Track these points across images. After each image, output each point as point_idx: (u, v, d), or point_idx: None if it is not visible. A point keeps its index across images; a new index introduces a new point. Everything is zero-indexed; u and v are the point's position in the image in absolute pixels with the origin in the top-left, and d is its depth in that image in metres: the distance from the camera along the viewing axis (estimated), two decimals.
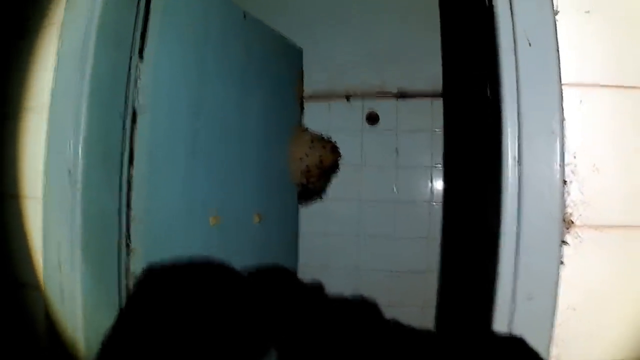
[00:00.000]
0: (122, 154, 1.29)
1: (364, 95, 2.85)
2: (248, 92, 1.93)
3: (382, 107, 2.84)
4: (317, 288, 0.89)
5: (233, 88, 1.83)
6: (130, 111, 1.32)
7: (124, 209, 1.29)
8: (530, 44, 0.94)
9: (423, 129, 2.77)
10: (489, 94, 1.06)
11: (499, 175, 0.94)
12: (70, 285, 1.12)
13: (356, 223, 2.87)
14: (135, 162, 1.33)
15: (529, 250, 0.89)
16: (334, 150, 2.43)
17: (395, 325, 0.78)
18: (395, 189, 2.81)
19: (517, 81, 0.94)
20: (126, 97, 1.30)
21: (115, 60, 1.27)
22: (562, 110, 0.92)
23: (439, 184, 2.76)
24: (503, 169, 0.93)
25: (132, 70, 1.33)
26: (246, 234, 1.92)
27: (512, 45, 0.95)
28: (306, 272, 2.63)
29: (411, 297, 2.74)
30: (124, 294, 1.26)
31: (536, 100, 0.92)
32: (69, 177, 1.13)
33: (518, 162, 0.92)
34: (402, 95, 2.80)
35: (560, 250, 0.89)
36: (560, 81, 0.92)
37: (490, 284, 0.95)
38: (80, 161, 1.14)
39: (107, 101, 1.23)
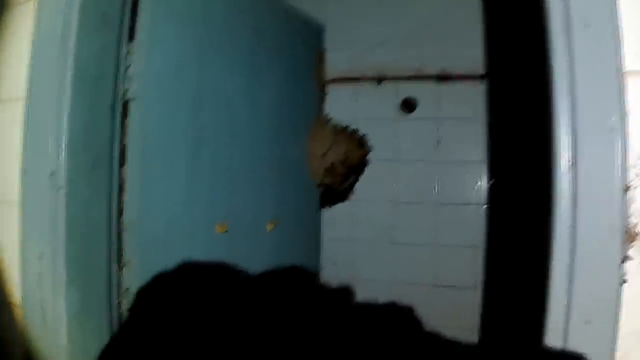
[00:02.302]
0: (111, 153, 1.31)
1: (398, 78, 2.84)
2: (259, 79, 1.94)
3: (419, 91, 2.81)
4: (343, 293, 0.89)
5: (241, 74, 1.84)
6: (120, 103, 1.34)
7: (114, 215, 1.31)
8: (586, 26, 0.92)
9: (470, 117, 2.74)
10: (539, 84, 1.05)
11: (550, 179, 0.94)
12: (54, 305, 1.14)
13: (390, 228, 2.87)
14: (127, 162, 1.36)
15: (586, 266, 0.89)
16: (362, 143, 2.43)
17: (437, 340, 0.77)
18: (436, 189, 2.79)
19: (571, 69, 0.93)
20: (115, 87, 1.33)
21: (102, 43, 1.29)
22: (624, 103, 0.90)
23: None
24: (555, 172, 0.93)
25: (122, 55, 1.35)
26: (258, 243, 1.94)
27: (565, 27, 0.94)
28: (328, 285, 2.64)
29: (457, 318, 2.71)
30: (115, 314, 1.28)
31: (593, 92, 0.91)
32: (50, 179, 1.16)
33: (572, 164, 0.92)
34: (444, 77, 2.78)
35: (621, 267, 0.88)
36: (622, 69, 0.90)
37: (541, 305, 0.95)
38: (63, 161, 1.16)
39: (93, 91, 1.25)
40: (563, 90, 0.94)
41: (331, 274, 2.77)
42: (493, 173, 2.62)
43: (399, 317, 0.84)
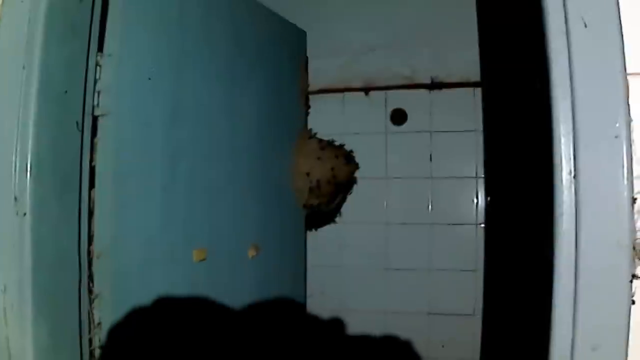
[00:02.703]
0: (80, 174, 1.31)
1: (387, 87, 2.88)
2: (239, 89, 1.98)
3: (410, 101, 2.85)
4: (333, 326, 0.90)
5: (220, 85, 1.87)
6: (89, 119, 1.35)
7: (84, 242, 1.32)
8: (586, 25, 0.94)
9: (465, 128, 2.78)
10: (537, 90, 1.08)
11: (550, 192, 0.94)
12: (20, 341, 1.14)
13: (381, 252, 2.88)
14: (97, 184, 1.37)
15: (591, 288, 0.90)
16: (350, 159, 2.46)
17: None
18: (430, 207, 2.82)
19: (571, 72, 0.94)
20: (84, 101, 1.34)
21: (69, 54, 1.29)
22: (628, 107, 0.91)
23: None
24: (555, 184, 0.94)
25: (91, 67, 1.36)
26: (239, 271, 1.96)
27: (564, 27, 0.96)
28: (316, 317, 2.65)
29: (456, 348, 2.73)
30: (86, 351, 1.28)
31: (595, 96, 0.92)
32: (14, 205, 1.16)
33: (574, 176, 0.93)
34: (436, 85, 2.82)
35: (630, 287, 0.89)
36: (625, 71, 0.92)
37: (545, 332, 0.96)
38: (28, 185, 1.17)
39: (60, 107, 1.26)
40: (562, 95, 0.95)
41: (318, 304, 2.78)
42: (490, 189, 2.66)
43: (395, 350, 0.86)
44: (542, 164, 0.99)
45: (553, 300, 0.93)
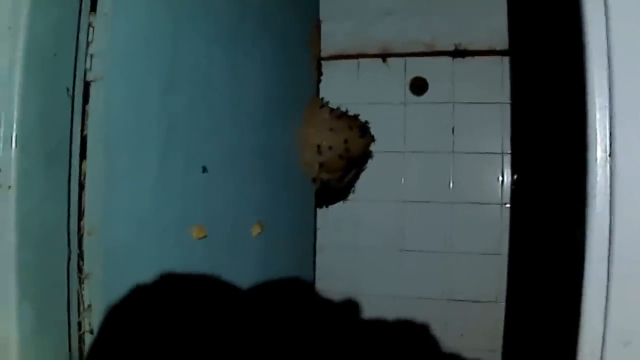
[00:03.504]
0: (70, 145, 1.30)
1: (406, 54, 2.85)
2: (243, 54, 1.95)
3: (432, 70, 2.84)
4: (346, 308, 0.89)
5: (222, 49, 1.83)
6: (80, 85, 1.33)
7: (74, 218, 1.31)
8: None
9: (490, 100, 2.76)
10: (571, 59, 1.05)
11: (583, 172, 0.93)
12: (4, 325, 1.13)
13: (397, 232, 2.89)
14: (88, 155, 1.34)
15: (625, 278, 0.89)
16: (365, 131, 2.45)
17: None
18: (451, 185, 2.81)
19: (608, 39, 0.92)
20: (75, 66, 1.31)
21: (59, 15, 1.25)
22: None
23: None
24: (589, 163, 0.92)
25: (83, 29, 1.33)
26: (242, 250, 1.96)
27: None
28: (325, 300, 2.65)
29: (476, 337, 2.74)
30: (75, 334, 1.28)
31: (635, 67, 0.90)
32: None
33: (609, 154, 0.91)
34: (460, 53, 2.79)
35: None
36: None
37: (574, 324, 0.95)
38: (13, 155, 1.15)
39: (49, 72, 1.22)
40: (597, 65, 0.93)
41: (329, 287, 2.80)
42: (518, 166, 2.64)
43: (410, 337, 0.85)
44: (574, 141, 0.97)
45: (583, 290, 0.92)
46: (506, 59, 2.70)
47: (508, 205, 2.72)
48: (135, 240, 1.49)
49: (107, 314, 0.80)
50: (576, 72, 0.98)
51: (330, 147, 2.29)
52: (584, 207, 0.93)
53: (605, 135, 0.92)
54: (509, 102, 2.72)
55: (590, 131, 0.93)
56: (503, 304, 2.69)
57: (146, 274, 1.49)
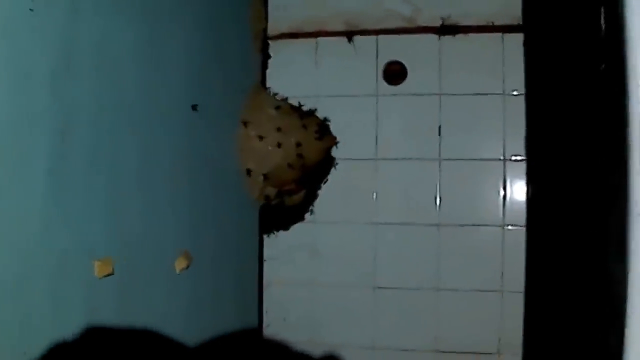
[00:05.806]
0: None
1: (380, 31, 2.82)
2: (162, 32, 1.94)
3: (412, 51, 2.80)
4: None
5: (134, 24, 1.80)
6: None
7: None
8: None
9: (488, 91, 2.73)
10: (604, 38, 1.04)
11: (621, 190, 0.90)
12: None
13: (369, 264, 2.84)
14: None
15: None
16: (324, 131, 2.42)
17: None
18: (438, 202, 2.78)
19: None
20: None
21: None
22: None
23: (518, 192, 2.70)
24: (630, 175, 0.92)
25: None
26: (163, 289, 1.94)
27: None
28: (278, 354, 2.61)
29: None
30: None
31: None
32: None
33: None
34: (448, 29, 2.77)
35: None
36: None
37: None
38: None
39: None
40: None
41: (281, 334, 2.76)
42: (534, 175, 2.61)
43: None
44: (610, 148, 0.96)
45: (624, 337, 0.90)
46: (509, 37, 2.63)
47: (511, 227, 2.67)
48: (21, 278, 1.42)
49: None
50: (613, 62, 0.97)
51: (277, 153, 2.26)
52: (622, 230, 0.89)
53: None
54: (515, 92, 2.63)
55: (632, 134, 0.94)
56: (507, 357, 2.68)
57: (34, 323, 1.44)
